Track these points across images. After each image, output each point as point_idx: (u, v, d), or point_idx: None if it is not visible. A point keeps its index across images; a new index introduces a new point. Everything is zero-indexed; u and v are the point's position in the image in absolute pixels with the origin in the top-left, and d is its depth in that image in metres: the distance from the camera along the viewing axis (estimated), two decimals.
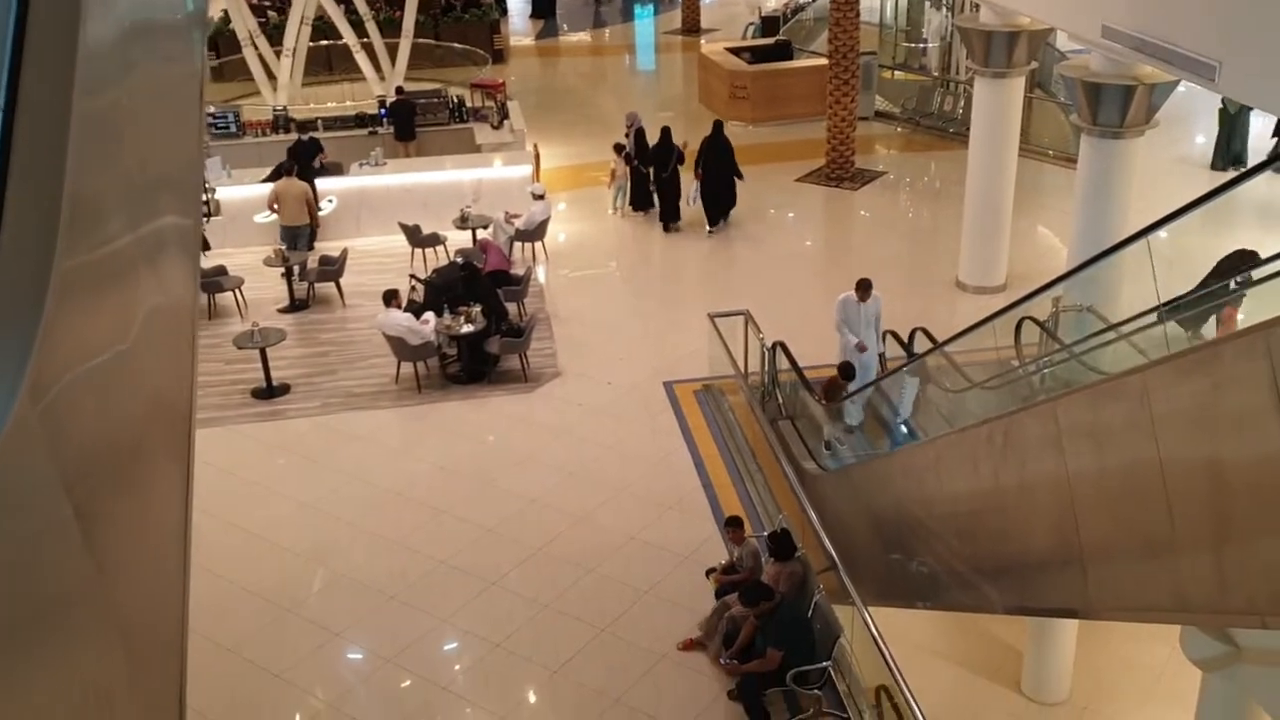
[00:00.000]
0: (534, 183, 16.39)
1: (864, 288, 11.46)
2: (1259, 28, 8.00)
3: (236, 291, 14.38)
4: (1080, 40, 11.61)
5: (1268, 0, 7.92)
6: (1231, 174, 17.49)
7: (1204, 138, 18.74)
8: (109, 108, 2.82)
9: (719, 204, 16.52)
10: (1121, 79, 10.64)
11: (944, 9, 20.54)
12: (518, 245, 15.60)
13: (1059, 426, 5.71)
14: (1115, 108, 10.77)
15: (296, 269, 14.53)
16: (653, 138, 16.81)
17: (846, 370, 11.01)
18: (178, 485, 3.62)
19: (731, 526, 9.24)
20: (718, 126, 16.77)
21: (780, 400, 11.82)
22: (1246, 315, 6.48)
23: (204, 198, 15.44)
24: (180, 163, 3.81)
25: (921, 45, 21.10)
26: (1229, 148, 17.70)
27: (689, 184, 16.59)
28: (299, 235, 15.20)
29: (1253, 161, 17.57)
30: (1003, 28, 12.92)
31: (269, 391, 12.42)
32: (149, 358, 3.25)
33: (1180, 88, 10.53)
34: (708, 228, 16.55)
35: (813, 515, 8.90)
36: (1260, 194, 15.39)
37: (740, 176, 16.45)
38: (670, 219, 16.70)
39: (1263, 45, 7.99)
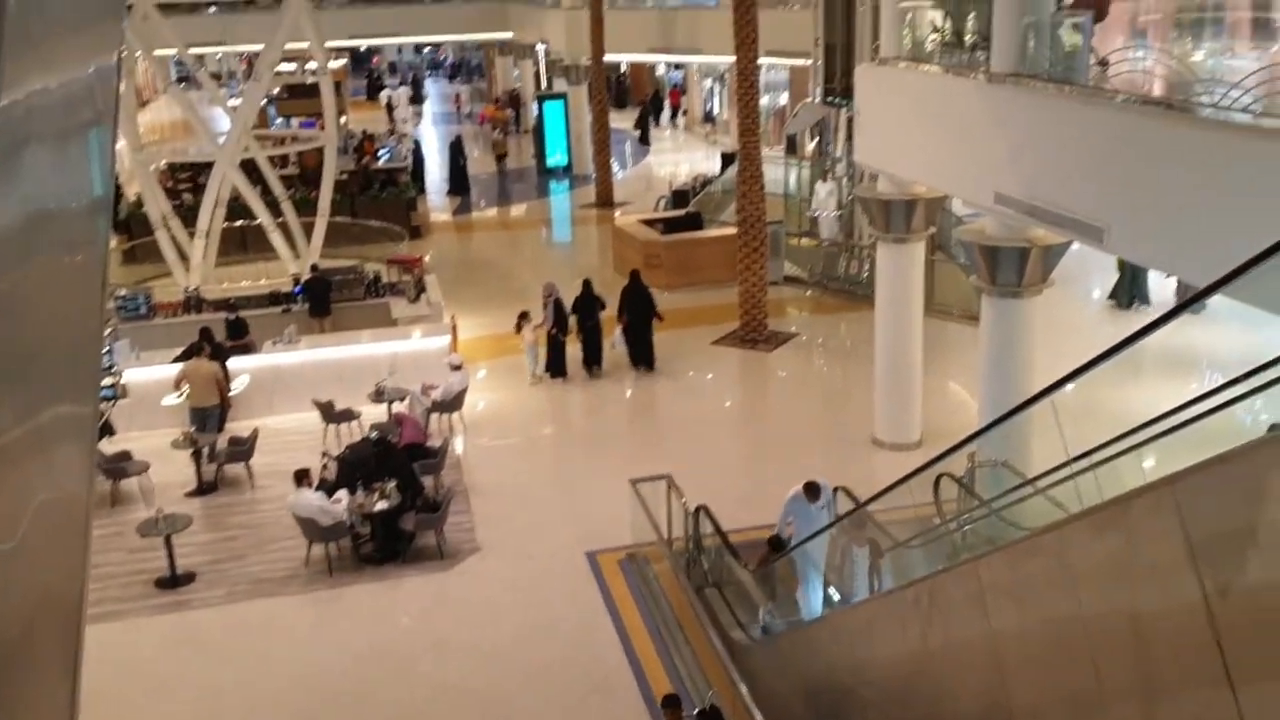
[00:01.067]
0: (451, 354, 16.36)
1: (813, 490, 10.90)
2: (1140, 193, 8.44)
3: (141, 477, 13.91)
4: (975, 206, 12.12)
5: (1146, 168, 8.38)
6: (1134, 311, 18.33)
7: (1099, 291, 19.50)
8: (2, 296, 2.70)
9: (643, 345, 17.49)
10: (1016, 242, 11.07)
11: (831, 180, 21.49)
12: (435, 416, 15.44)
13: (981, 585, 5.65)
14: (1012, 269, 11.17)
15: (205, 451, 14.16)
16: (570, 298, 17.41)
17: (777, 544, 10.86)
18: (63, 691, 3.36)
19: (668, 707, 8.88)
20: (635, 275, 17.86)
21: (705, 567, 11.63)
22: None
23: (110, 381, 15.10)
24: (78, 349, 3.67)
25: (812, 215, 22.05)
26: (1132, 284, 18.52)
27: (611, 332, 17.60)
28: (209, 416, 14.86)
29: (1153, 296, 18.49)
30: (900, 196, 13.44)
31: (173, 581, 11.89)
32: (36, 556, 3.05)
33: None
34: (635, 370, 17.47)
35: (744, 689, 8.62)
36: (1161, 337, 15.94)
37: (660, 318, 17.57)
38: (593, 362, 17.43)
39: (1145, 209, 8.41)
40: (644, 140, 38.25)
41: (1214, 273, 4.64)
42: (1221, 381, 4.70)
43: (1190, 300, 5.48)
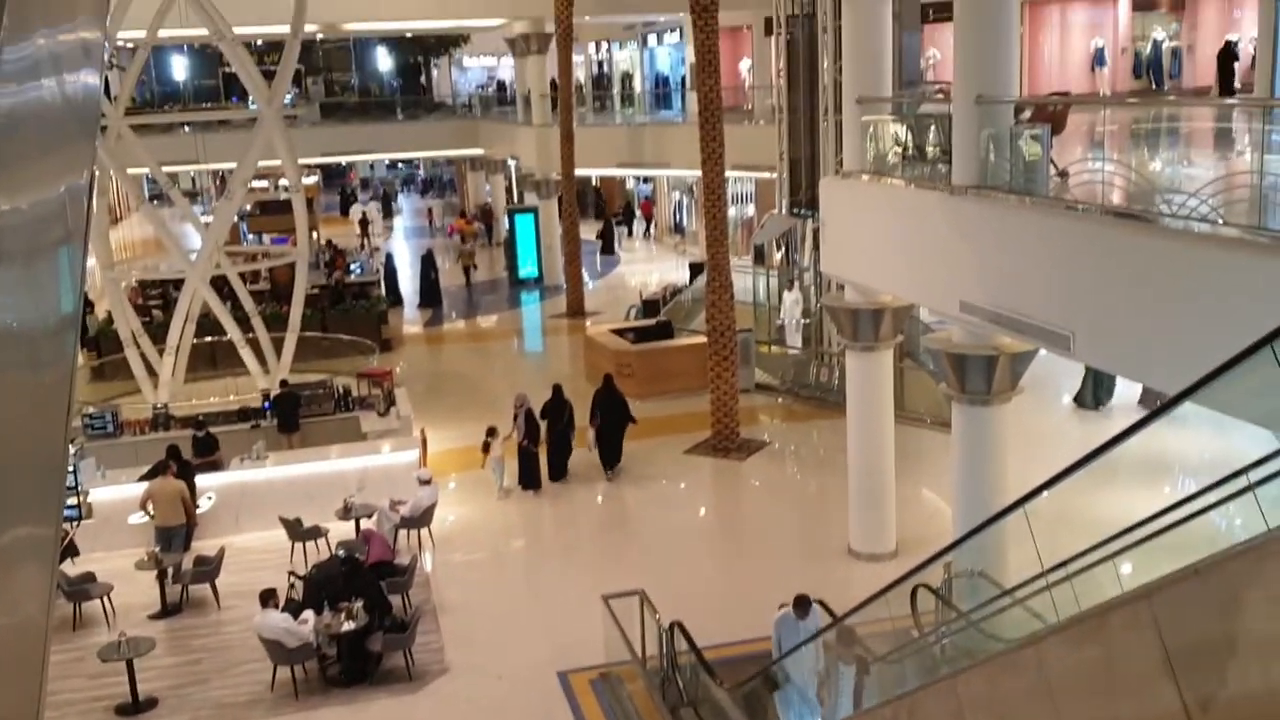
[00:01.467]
0: (420, 468, 16.19)
1: (802, 605, 10.51)
2: (1104, 300, 8.55)
3: (104, 599, 13.56)
4: (941, 315, 12.26)
5: (1108, 276, 8.51)
6: (1099, 413, 18.46)
7: (1068, 395, 19.65)
8: None
9: (615, 449, 17.61)
10: (984, 350, 11.14)
11: (797, 289, 21.77)
12: (403, 532, 15.20)
13: (960, 702, 5.55)
14: (981, 377, 11.22)
15: (170, 571, 13.85)
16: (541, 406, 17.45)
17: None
18: None
19: None
20: (608, 379, 18.11)
21: (681, 685, 11.36)
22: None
23: (75, 501, 14.80)
24: (42, 469, 3.59)
25: (779, 323, 22.27)
26: (1096, 386, 18.70)
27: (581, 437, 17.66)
28: (174, 536, 14.59)
29: (1117, 397, 18.71)
30: (867, 306, 13.56)
31: (134, 708, 11.51)
32: None
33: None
34: (606, 475, 17.48)
35: None
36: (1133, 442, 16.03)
37: (633, 420, 17.61)
38: (558, 475, 17.38)
39: (1109, 316, 8.52)
40: (607, 250, 38.55)
41: (1179, 378, 4.70)
42: (1194, 488, 4.71)
43: (1161, 409, 5.51)
